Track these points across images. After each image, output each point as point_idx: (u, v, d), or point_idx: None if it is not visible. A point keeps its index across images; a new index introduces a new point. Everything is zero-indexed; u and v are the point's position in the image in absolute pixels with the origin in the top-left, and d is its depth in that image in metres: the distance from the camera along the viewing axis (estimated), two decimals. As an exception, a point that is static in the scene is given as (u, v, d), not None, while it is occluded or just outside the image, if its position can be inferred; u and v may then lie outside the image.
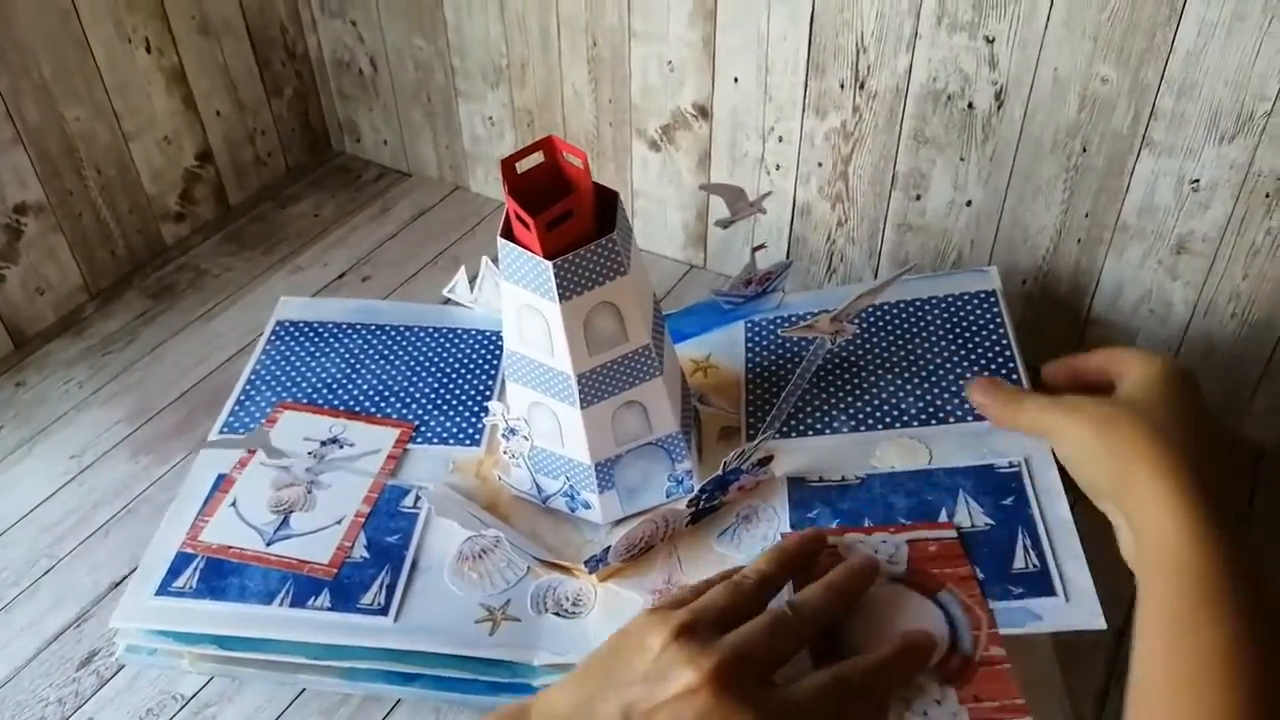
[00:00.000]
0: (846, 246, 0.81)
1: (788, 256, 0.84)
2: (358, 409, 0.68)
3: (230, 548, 0.60)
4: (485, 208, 0.98)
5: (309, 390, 0.70)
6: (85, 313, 0.88)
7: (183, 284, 0.90)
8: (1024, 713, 0.47)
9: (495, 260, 0.68)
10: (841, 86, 0.74)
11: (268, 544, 0.60)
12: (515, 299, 0.56)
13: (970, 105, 0.70)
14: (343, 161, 1.05)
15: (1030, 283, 0.75)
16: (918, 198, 0.76)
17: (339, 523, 0.61)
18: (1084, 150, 0.68)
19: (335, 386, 0.70)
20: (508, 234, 0.55)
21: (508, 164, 0.54)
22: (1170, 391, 0.52)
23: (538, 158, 0.55)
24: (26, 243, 0.83)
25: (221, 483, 0.63)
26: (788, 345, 0.69)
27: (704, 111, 0.81)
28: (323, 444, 0.66)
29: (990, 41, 0.67)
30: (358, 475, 0.64)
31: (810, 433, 0.63)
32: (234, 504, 0.62)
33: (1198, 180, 0.66)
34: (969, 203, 0.74)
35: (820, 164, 0.78)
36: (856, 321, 0.68)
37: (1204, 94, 0.63)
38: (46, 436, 0.76)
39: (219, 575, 0.58)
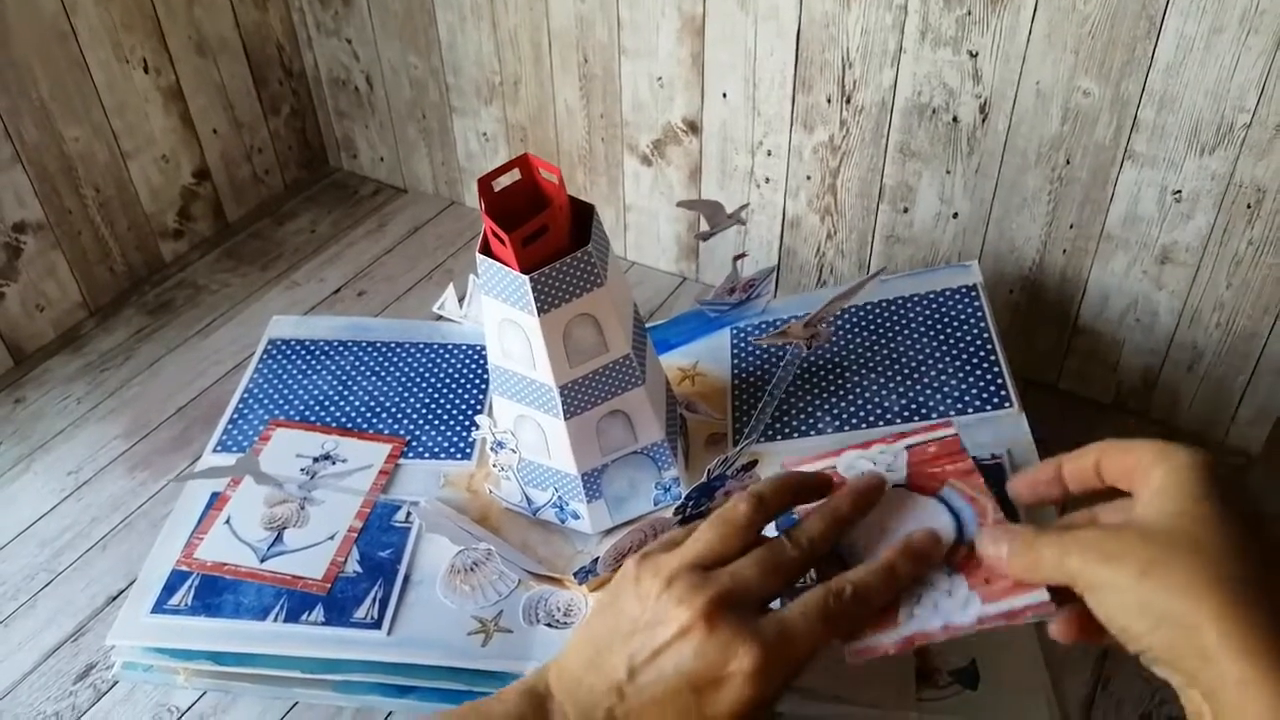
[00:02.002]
0: (836, 258, 0.82)
1: (778, 269, 0.85)
2: (350, 425, 0.69)
3: (225, 564, 0.60)
4: (480, 222, 0.98)
5: (301, 408, 0.71)
6: (84, 329, 0.88)
7: (180, 300, 0.91)
8: (1038, 587, 0.44)
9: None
10: (828, 101, 0.75)
11: (261, 560, 0.61)
12: (496, 313, 0.57)
13: (955, 119, 0.71)
14: (339, 178, 1.06)
15: (1017, 293, 0.76)
16: (905, 210, 0.77)
17: (332, 538, 0.62)
18: (1068, 162, 0.69)
19: (327, 403, 0.71)
20: (486, 250, 0.56)
21: (484, 182, 0.55)
22: (1215, 505, 0.39)
23: (515, 175, 0.56)
24: (26, 261, 0.84)
25: (215, 500, 0.64)
26: (772, 350, 0.70)
27: (694, 126, 0.82)
28: (315, 460, 0.67)
29: (973, 56, 0.68)
30: (350, 491, 0.64)
31: (795, 435, 0.64)
32: (228, 521, 0.63)
33: (1180, 191, 0.67)
34: (955, 215, 0.75)
35: (809, 177, 0.79)
36: (832, 325, 0.68)
37: (1184, 106, 0.64)
38: (45, 452, 0.77)
39: (214, 592, 0.59)
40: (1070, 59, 0.65)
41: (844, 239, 0.81)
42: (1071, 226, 0.71)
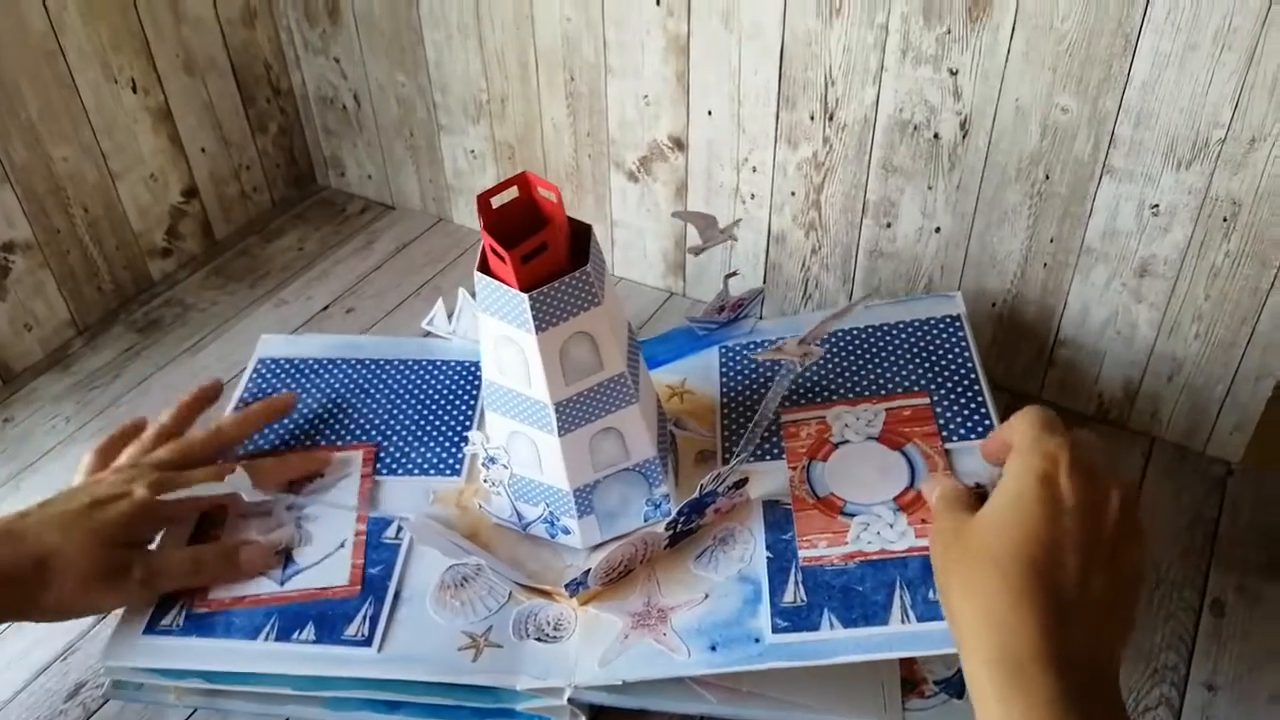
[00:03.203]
0: (821, 273, 0.83)
1: (764, 283, 0.86)
2: (338, 442, 0.70)
3: (245, 597, 0.60)
4: (468, 239, 0.99)
5: (291, 426, 0.71)
6: (73, 348, 0.89)
7: (169, 319, 0.92)
8: None
9: (473, 293, 0.70)
10: (812, 118, 0.76)
11: (281, 584, 0.61)
12: (493, 331, 0.57)
13: (936, 135, 0.72)
14: (327, 195, 1.07)
15: (999, 305, 0.77)
16: (888, 225, 0.78)
17: (343, 546, 0.63)
18: (1047, 177, 0.70)
19: (318, 422, 0.71)
20: (484, 268, 0.56)
21: (483, 200, 0.55)
22: (1011, 503, 0.45)
23: (513, 193, 0.57)
24: (14, 280, 0.84)
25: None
26: (761, 370, 0.71)
27: (679, 143, 0.83)
28: (292, 483, 0.67)
29: (954, 74, 0.69)
30: (339, 504, 0.65)
31: (783, 456, 0.65)
32: None
33: (1158, 205, 0.68)
34: (938, 229, 0.76)
35: (793, 193, 0.80)
36: (823, 344, 0.69)
37: (1160, 122, 0.65)
38: (34, 472, 0.77)
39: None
40: (1048, 76, 0.66)
41: (828, 254, 0.82)
42: (1052, 240, 0.72)
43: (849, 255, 0.81)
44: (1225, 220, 0.66)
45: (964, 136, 0.71)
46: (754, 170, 0.81)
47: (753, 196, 0.82)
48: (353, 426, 0.71)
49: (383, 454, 0.68)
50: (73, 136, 0.85)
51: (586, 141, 0.87)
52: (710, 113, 0.80)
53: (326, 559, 0.62)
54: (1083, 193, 0.70)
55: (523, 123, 0.90)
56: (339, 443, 0.70)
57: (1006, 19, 0.66)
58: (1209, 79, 0.62)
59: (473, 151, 0.95)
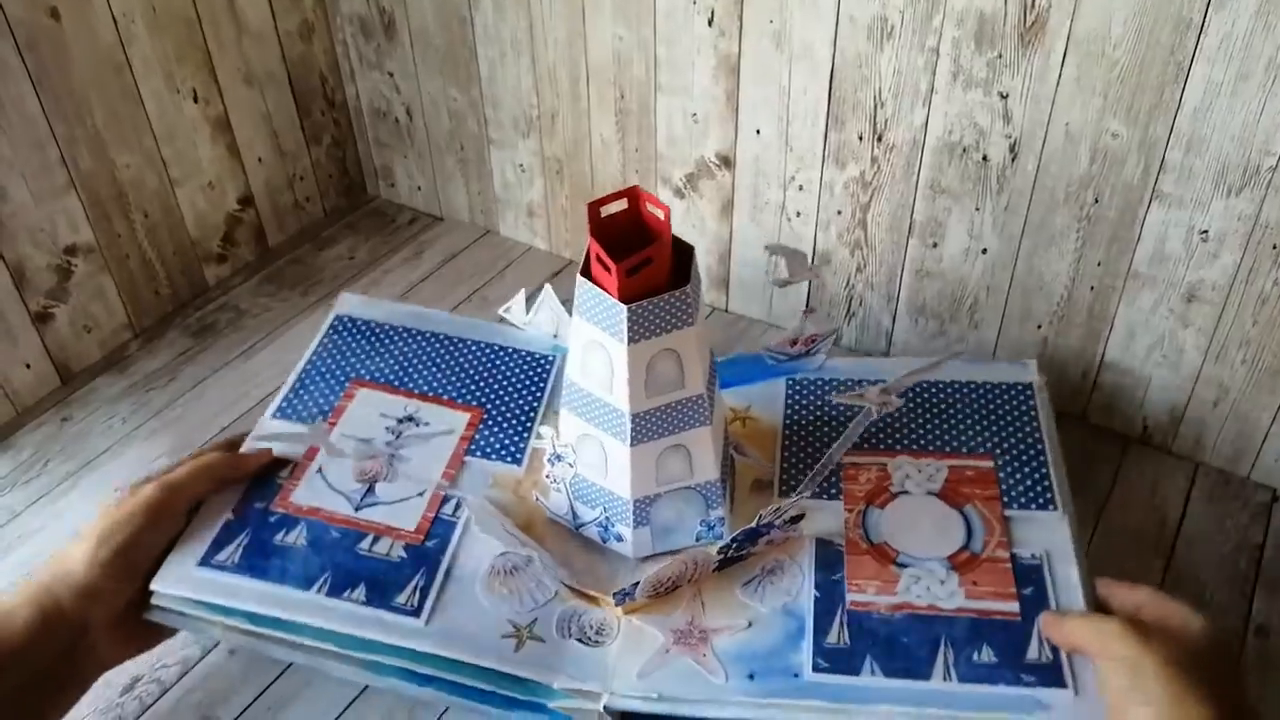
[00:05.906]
0: (865, 291, 0.84)
1: (808, 301, 0.87)
2: (430, 392, 0.72)
3: (320, 510, 0.63)
4: (514, 251, 1.01)
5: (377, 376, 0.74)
6: (130, 350, 0.91)
7: (223, 323, 0.94)
8: (1012, 599, 0.57)
9: (557, 294, 0.73)
10: (860, 138, 0.77)
11: (356, 509, 0.64)
12: (584, 334, 0.58)
13: (985, 157, 0.73)
14: (378, 206, 1.09)
15: (1045, 328, 0.77)
16: (934, 245, 0.78)
17: (421, 494, 0.65)
18: (1096, 201, 0.71)
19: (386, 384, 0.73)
20: (586, 273, 0.57)
21: (593, 208, 0.57)
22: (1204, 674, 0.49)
23: (621, 204, 0.58)
24: (76, 283, 0.86)
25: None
26: (826, 409, 0.71)
27: (727, 161, 0.84)
28: (400, 421, 0.70)
29: (1004, 97, 0.70)
30: (435, 451, 0.68)
31: (840, 496, 0.65)
32: (320, 471, 0.66)
33: (1207, 231, 0.68)
34: (984, 250, 0.77)
35: (839, 212, 0.81)
36: (903, 396, 0.70)
37: (1211, 149, 0.65)
38: (91, 470, 0.79)
39: (262, 555, 0.60)
40: (1099, 101, 0.67)
41: (873, 272, 0.83)
42: (1099, 264, 0.73)
43: (894, 274, 0.82)
44: (1275, 247, 0.66)
45: (1013, 159, 0.72)
46: (800, 189, 0.82)
47: (799, 214, 0.83)
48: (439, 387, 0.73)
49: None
50: (135, 144, 0.88)
51: (634, 157, 0.89)
52: (758, 131, 0.81)
53: (402, 502, 0.64)
54: (1131, 217, 0.70)
55: (572, 138, 0.91)
56: (445, 396, 0.72)
57: (1059, 45, 0.66)
58: (1261, 108, 0.62)
59: (521, 165, 0.97)
